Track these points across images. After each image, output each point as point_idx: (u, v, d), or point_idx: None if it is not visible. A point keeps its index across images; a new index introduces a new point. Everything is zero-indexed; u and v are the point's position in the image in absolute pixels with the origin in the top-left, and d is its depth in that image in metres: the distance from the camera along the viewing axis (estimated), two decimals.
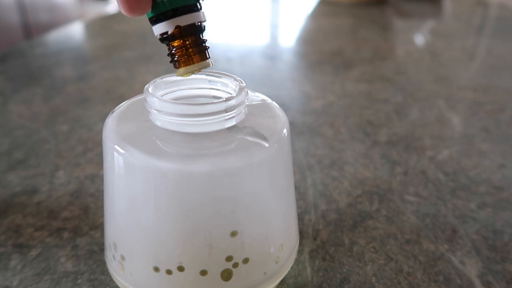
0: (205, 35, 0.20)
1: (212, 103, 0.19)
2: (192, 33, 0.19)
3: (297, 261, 0.26)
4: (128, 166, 0.19)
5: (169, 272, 0.20)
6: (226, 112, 0.19)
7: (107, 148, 0.20)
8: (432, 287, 0.25)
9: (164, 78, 0.21)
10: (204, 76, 0.22)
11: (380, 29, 0.91)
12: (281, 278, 0.24)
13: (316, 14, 1.06)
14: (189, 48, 0.19)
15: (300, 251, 0.27)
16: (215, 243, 0.20)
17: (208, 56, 0.20)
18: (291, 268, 0.26)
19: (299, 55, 0.75)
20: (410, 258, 0.27)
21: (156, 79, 0.21)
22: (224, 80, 0.21)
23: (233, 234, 0.20)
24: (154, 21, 0.19)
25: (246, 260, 0.21)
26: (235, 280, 0.21)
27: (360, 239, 0.28)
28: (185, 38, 0.19)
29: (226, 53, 0.71)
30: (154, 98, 0.19)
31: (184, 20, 0.19)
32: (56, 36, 0.79)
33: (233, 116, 0.20)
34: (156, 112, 0.19)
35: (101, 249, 0.27)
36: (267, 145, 0.19)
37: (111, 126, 0.20)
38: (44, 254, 0.27)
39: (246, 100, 0.20)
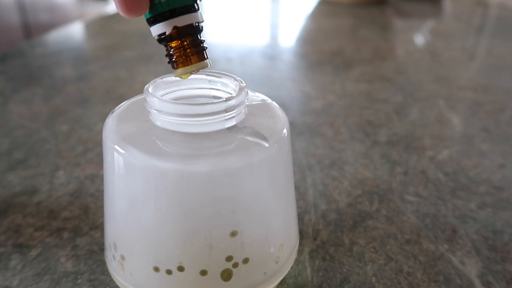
0: (203, 36, 0.20)
1: (212, 103, 0.19)
2: (190, 33, 0.19)
3: (297, 261, 0.26)
4: (128, 166, 0.19)
5: (169, 272, 0.20)
6: (226, 112, 0.19)
7: (107, 148, 0.20)
8: (432, 287, 0.25)
9: (164, 78, 0.21)
10: (204, 76, 0.22)
11: (380, 29, 0.91)
12: (281, 278, 0.24)
13: (316, 14, 1.06)
14: (187, 49, 0.19)
15: (300, 251, 0.27)
16: (215, 243, 0.20)
17: (206, 57, 0.20)
18: (291, 268, 0.26)
19: (299, 55, 0.75)
20: (410, 258, 0.27)
21: (156, 79, 0.21)
22: (224, 80, 0.21)
23: (233, 234, 0.20)
24: (151, 22, 0.19)
25: (246, 260, 0.21)
26: (235, 280, 0.21)
27: (360, 239, 0.28)
28: (183, 39, 0.19)
29: (226, 53, 0.71)
30: (154, 98, 0.19)
31: (182, 20, 0.19)
32: (56, 36, 0.79)
33: (233, 116, 0.20)
34: (156, 112, 0.19)
35: (101, 249, 0.27)
36: (267, 145, 0.19)
37: (111, 126, 0.20)
38: (44, 254, 0.27)
39: (246, 100, 0.20)
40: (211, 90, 0.22)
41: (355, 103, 0.51)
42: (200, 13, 0.19)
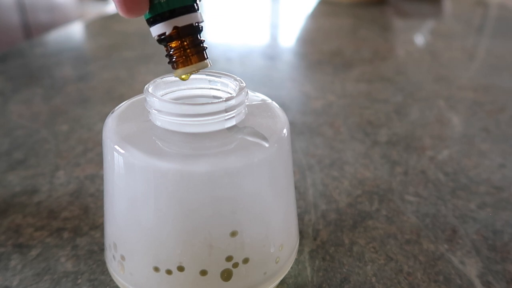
0: (203, 36, 0.20)
1: (212, 103, 0.19)
2: (190, 33, 0.19)
3: (297, 261, 0.26)
4: (128, 166, 0.19)
5: (169, 272, 0.20)
6: (226, 112, 0.19)
7: (107, 148, 0.20)
8: (432, 287, 0.25)
9: (164, 78, 0.21)
10: (204, 76, 0.22)
11: (380, 29, 0.91)
12: (281, 278, 0.24)
13: (316, 14, 1.06)
14: (187, 49, 0.19)
15: (300, 251, 0.27)
16: (215, 243, 0.20)
17: (206, 57, 0.20)
18: (291, 268, 0.26)
19: (299, 55, 0.75)
20: (410, 258, 0.27)
21: (156, 79, 0.21)
22: (224, 80, 0.21)
23: (233, 234, 0.20)
24: (151, 22, 0.19)
25: (246, 260, 0.21)
26: (235, 280, 0.21)
27: (360, 239, 0.28)
28: (183, 39, 0.19)
29: (226, 53, 0.71)
30: (154, 98, 0.19)
31: (182, 20, 0.19)
32: (56, 36, 0.79)
33: (233, 116, 0.20)
34: (156, 112, 0.19)
35: (101, 249, 0.27)
36: (267, 145, 0.19)
37: (111, 126, 0.20)
38: (44, 254, 0.27)
39: (246, 100, 0.20)
40: (211, 90, 0.22)
41: (355, 103, 0.51)
42: (200, 13, 0.19)
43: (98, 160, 0.37)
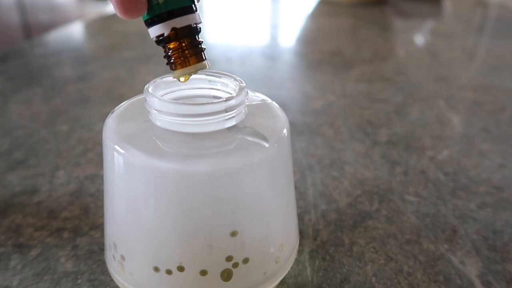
0: (201, 37, 0.20)
1: (212, 103, 0.19)
2: (188, 35, 0.19)
3: (297, 261, 0.26)
4: (128, 166, 0.19)
5: (169, 272, 0.20)
6: (226, 112, 0.19)
7: (107, 148, 0.20)
8: (432, 287, 0.25)
9: (164, 78, 0.21)
10: (204, 76, 0.22)
11: (380, 29, 0.91)
12: (281, 278, 0.24)
13: (316, 14, 1.06)
14: (185, 50, 0.19)
15: (300, 251, 0.27)
16: (215, 243, 0.20)
17: (204, 58, 0.20)
18: (291, 268, 0.26)
19: (299, 55, 0.75)
20: (410, 258, 0.27)
21: (156, 79, 0.21)
22: (224, 80, 0.21)
23: (233, 234, 0.20)
24: (149, 23, 0.19)
25: (246, 260, 0.21)
26: (235, 280, 0.21)
27: (360, 239, 0.28)
28: (181, 40, 0.19)
29: (226, 53, 0.71)
30: (154, 98, 0.19)
31: (180, 22, 0.19)
32: (56, 36, 0.79)
33: (233, 116, 0.20)
34: (156, 112, 0.19)
35: (101, 249, 0.27)
36: (267, 145, 0.19)
37: (111, 126, 0.20)
38: (44, 254, 0.27)
39: (246, 100, 0.20)
40: (211, 90, 0.22)
41: (355, 103, 0.51)
42: (198, 14, 0.19)
43: (98, 160, 0.37)
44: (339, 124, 0.45)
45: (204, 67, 0.20)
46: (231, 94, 0.21)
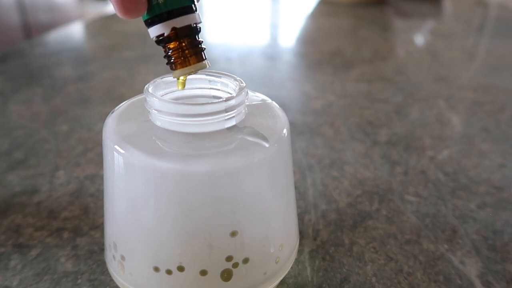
0: (201, 36, 0.20)
1: (212, 103, 0.19)
2: (188, 34, 0.19)
3: (297, 261, 0.26)
4: (128, 166, 0.19)
5: (169, 272, 0.20)
6: (226, 112, 0.19)
7: (107, 148, 0.20)
8: (432, 287, 0.25)
9: (164, 78, 0.21)
10: (204, 76, 0.22)
11: (380, 29, 0.91)
12: (281, 278, 0.24)
13: (316, 14, 1.06)
14: (185, 50, 0.19)
15: (300, 251, 0.27)
16: (215, 243, 0.20)
17: (204, 57, 0.20)
18: (291, 268, 0.26)
19: (299, 55, 0.75)
20: (410, 258, 0.27)
21: (156, 79, 0.21)
22: (224, 80, 0.21)
23: (233, 234, 0.20)
24: (149, 23, 0.19)
25: (246, 260, 0.21)
26: (235, 280, 0.21)
27: (360, 239, 0.28)
28: (181, 40, 0.19)
29: (226, 53, 0.71)
30: (154, 98, 0.19)
31: (180, 22, 0.19)
32: (56, 36, 0.79)
33: (233, 116, 0.20)
34: (156, 112, 0.19)
35: (101, 249, 0.27)
36: (267, 145, 0.19)
37: (111, 126, 0.20)
38: (44, 254, 0.27)
39: (246, 100, 0.20)
40: (211, 90, 0.22)
41: (355, 103, 0.51)
42: (198, 14, 0.19)
43: (98, 160, 0.37)
44: (339, 124, 0.45)
45: (204, 67, 0.20)
46: (231, 94, 0.21)
